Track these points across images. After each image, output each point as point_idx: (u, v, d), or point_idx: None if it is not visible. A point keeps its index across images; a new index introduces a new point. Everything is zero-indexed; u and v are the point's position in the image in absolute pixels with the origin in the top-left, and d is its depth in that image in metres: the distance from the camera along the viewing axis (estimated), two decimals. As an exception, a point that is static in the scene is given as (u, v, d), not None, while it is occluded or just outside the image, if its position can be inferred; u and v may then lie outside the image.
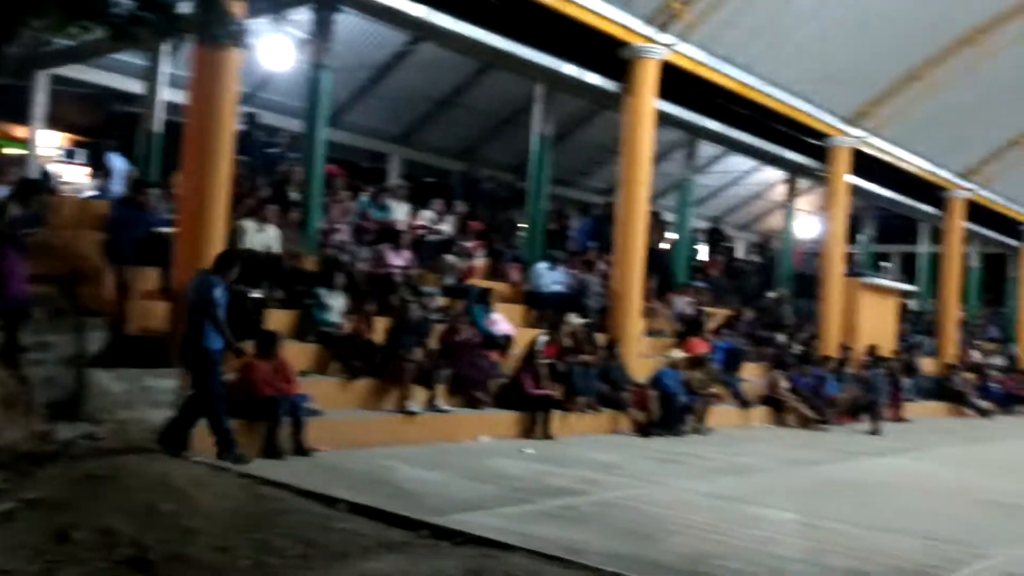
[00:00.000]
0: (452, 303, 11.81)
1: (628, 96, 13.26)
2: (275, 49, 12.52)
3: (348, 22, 12.41)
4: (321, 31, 11.27)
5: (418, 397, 9.91)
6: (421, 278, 11.82)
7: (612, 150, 15.26)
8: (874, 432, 14.54)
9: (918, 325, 22.81)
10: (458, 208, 14.61)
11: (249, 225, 10.07)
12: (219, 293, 7.58)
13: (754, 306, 17.71)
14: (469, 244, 13.25)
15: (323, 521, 5.84)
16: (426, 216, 13.48)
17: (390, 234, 12.04)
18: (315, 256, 11.09)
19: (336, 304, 10.17)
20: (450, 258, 12.57)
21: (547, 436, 10.65)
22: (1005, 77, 17.32)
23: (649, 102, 13.28)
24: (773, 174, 21.02)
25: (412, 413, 9.67)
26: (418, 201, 13.98)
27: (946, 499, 8.84)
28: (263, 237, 10.11)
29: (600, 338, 12.96)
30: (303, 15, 11.22)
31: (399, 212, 13.16)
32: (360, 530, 5.66)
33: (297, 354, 9.28)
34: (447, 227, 13.60)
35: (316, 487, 6.60)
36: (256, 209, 10.42)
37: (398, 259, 11.60)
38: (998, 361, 23.51)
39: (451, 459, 8.66)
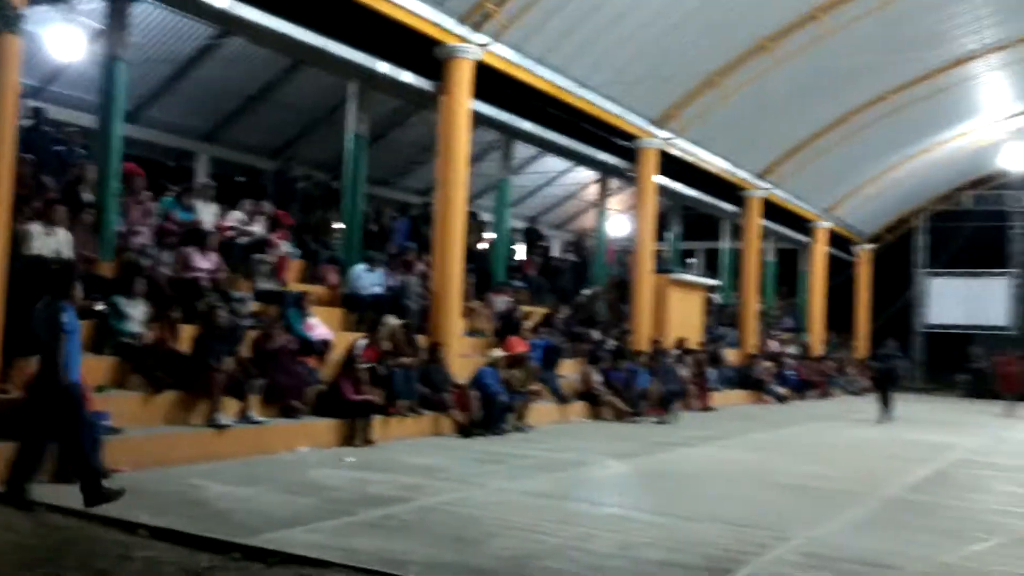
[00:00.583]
0: (265, 308, 11.34)
1: (443, 96, 13.21)
2: (65, 39, 11.61)
3: (147, 13, 11.66)
4: (116, 21, 10.53)
5: (229, 409, 9.44)
6: (231, 282, 11.27)
7: (430, 150, 15.19)
8: (663, 422, 15.06)
9: (722, 318, 24.13)
10: (270, 208, 14.06)
11: (35, 229, 9.25)
12: (67, 318, 6.77)
13: (570, 304, 18.13)
14: (281, 245, 12.76)
15: (121, 549, 5.41)
16: (235, 217, 12.88)
17: (196, 236, 11.41)
18: (112, 261, 10.34)
19: (136, 312, 9.51)
20: (261, 260, 12.06)
21: (368, 443, 10.43)
22: (792, 83, 18.60)
23: (464, 102, 13.29)
24: (586, 174, 21.66)
25: (222, 426, 9.18)
26: (227, 201, 13.35)
27: (752, 484, 9.30)
28: (51, 241, 9.31)
29: (421, 340, 12.87)
30: (95, 4, 10.45)
31: (206, 213, 12.50)
32: (163, 557, 5.28)
33: (92, 368, 8.57)
34: (258, 228, 13.06)
35: (114, 512, 6.12)
36: (43, 211, 9.58)
37: (205, 262, 11.00)
38: (793, 350, 25.28)
39: (266, 473, 8.30)
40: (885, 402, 17.41)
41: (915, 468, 10.86)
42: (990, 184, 29.58)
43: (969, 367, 27.78)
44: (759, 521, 7.21)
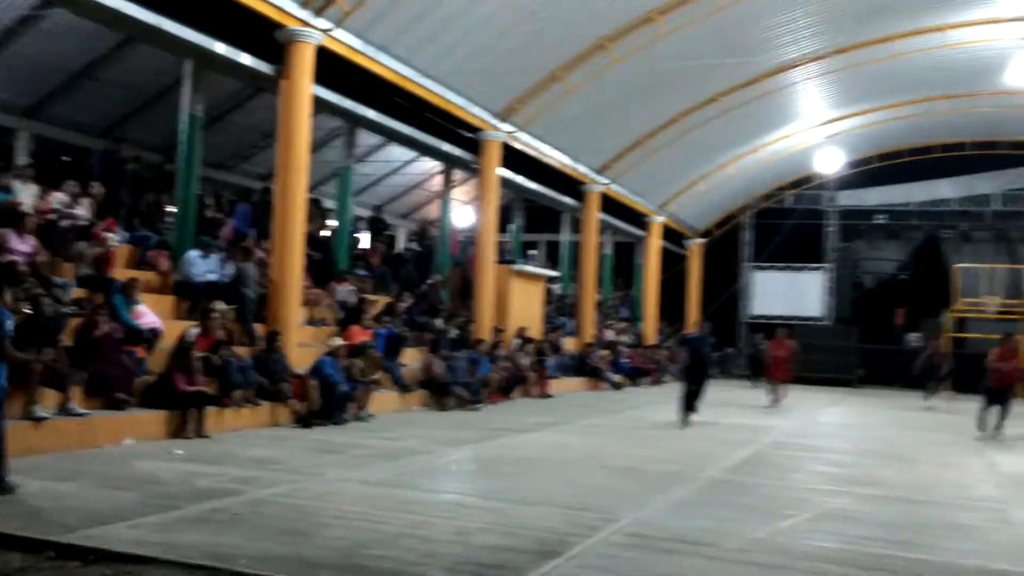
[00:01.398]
0: (89, 294, 10.77)
1: (284, 80, 12.92)
2: None
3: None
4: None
5: (48, 401, 8.93)
6: (52, 267, 10.64)
7: (272, 135, 14.81)
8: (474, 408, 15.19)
9: (561, 308, 24.76)
10: (96, 190, 13.34)
11: None
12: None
13: (413, 293, 18.15)
14: (107, 229, 12.14)
15: (-77, 553, 5.06)
16: (58, 199, 12.16)
17: (12, 218, 10.69)
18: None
19: (-57, 299, 8.85)
20: (85, 245, 11.44)
21: (201, 435, 10.12)
22: (630, 83, 19.28)
23: (306, 87, 13.04)
24: (431, 164, 21.71)
25: (40, 419, 8.68)
26: (50, 182, 12.57)
27: (586, 469, 9.64)
28: None
29: (258, 328, 12.56)
30: None
31: (25, 194, 11.75)
32: (-30, 559, 4.98)
33: None
34: (83, 211, 12.37)
35: (-86, 514, 5.71)
36: None
37: (23, 246, 10.35)
38: (628, 339, 26.24)
39: (88, 467, 7.92)
40: (689, 395, 14.38)
41: (735, 451, 11.54)
42: (808, 184, 31.67)
43: (754, 351, 28.35)
44: (591, 504, 7.50)
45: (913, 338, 29.04)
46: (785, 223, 32.40)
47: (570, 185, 23.42)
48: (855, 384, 28.26)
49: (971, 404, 16.06)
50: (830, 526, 7.23)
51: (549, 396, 18.60)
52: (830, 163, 26.73)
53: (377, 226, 21.92)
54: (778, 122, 25.37)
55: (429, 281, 19.10)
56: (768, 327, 30.69)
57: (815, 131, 26.27)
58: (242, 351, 11.81)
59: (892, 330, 30.84)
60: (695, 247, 32.31)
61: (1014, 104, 23.85)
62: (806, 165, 28.35)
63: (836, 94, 23.50)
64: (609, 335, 25.16)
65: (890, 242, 33.45)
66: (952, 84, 23.18)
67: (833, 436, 14.83)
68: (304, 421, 11.76)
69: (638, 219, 28.24)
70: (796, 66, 21.40)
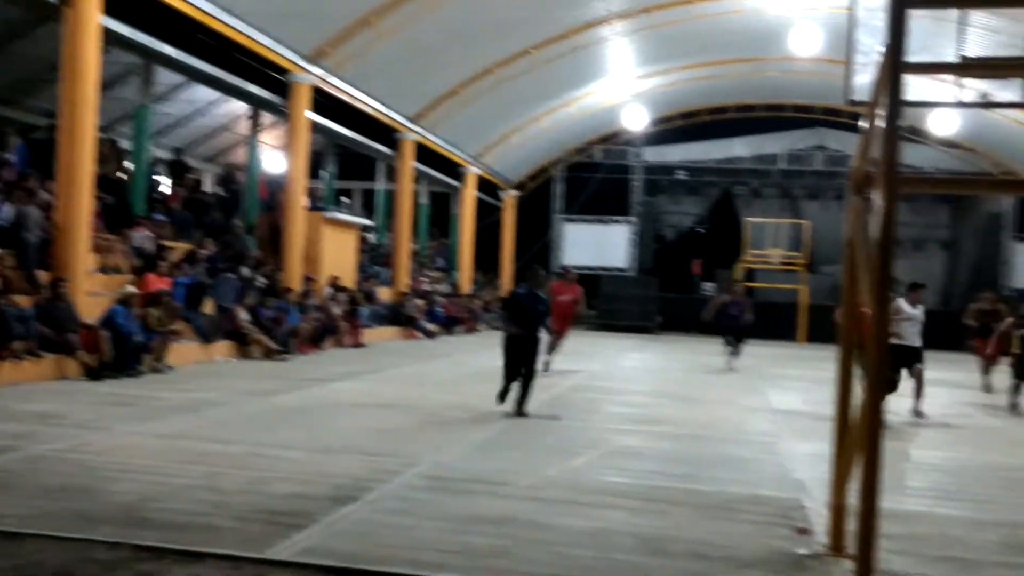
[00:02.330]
0: None
1: (67, 8, 11.95)
2: None
3: None
4: None
5: None
6: None
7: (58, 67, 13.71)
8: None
9: (376, 257, 24.58)
10: None
11: None
12: None
13: (218, 239, 17.46)
14: None
15: None
16: None
17: None
18: None
19: None
20: None
21: (-27, 389, 9.41)
22: (445, 31, 19.16)
23: (93, 17, 12.11)
24: (239, 107, 20.78)
25: None
26: None
27: (389, 416, 9.69)
28: None
29: (42, 276, 11.74)
30: None
31: None
32: None
33: None
34: None
35: None
36: None
37: None
38: (443, 288, 26.45)
39: None
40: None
41: (536, 394, 11.91)
42: (616, 140, 32.80)
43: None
44: (393, 450, 7.59)
45: (709, 288, 30.98)
46: (594, 177, 33.49)
47: (384, 133, 23.14)
48: (655, 331, 29.86)
49: (760, 348, 17.36)
50: (620, 462, 7.66)
51: (362, 346, 18.51)
52: (636, 120, 27.75)
53: (179, 169, 20.83)
54: (588, 77, 26.01)
55: (235, 227, 18.41)
56: (585, 279, 31.88)
57: (622, 88, 27.15)
58: (23, 300, 11.01)
59: (690, 280, 32.74)
60: (509, 199, 32.84)
61: (797, 70, 25.57)
62: (614, 121, 29.29)
63: (641, 53, 24.33)
64: (424, 284, 25.26)
65: (689, 197, 35.40)
66: (744, 48, 24.51)
67: (631, 379, 15.61)
68: (94, 374, 11.16)
69: (453, 170, 28.33)
70: (604, 23, 21.95)
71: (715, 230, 34.44)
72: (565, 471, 7.14)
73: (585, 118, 29.24)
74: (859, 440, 4.72)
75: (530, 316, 10.15)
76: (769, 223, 30.91)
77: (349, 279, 20.51)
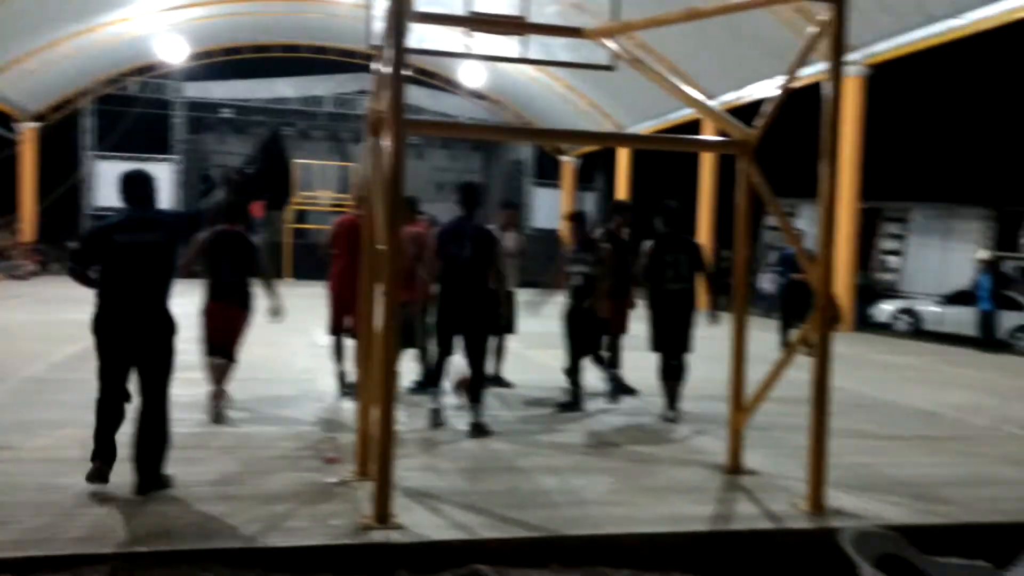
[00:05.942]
0: None
1: None
2: None
3: None
4: None
5: None
6: None
7: None
8: None
9: None
10: None
11: None
12: None
13: None
14: None
15: None
16: None
17: None
18: None
19: None
20: None
21: None
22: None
23: None
24: None
25: None
26: None
27: None
28: None
29: None
30: None
31: None
32: None
33: None
34: None
35: None
36: None
37: None
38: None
39: None
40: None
41: (62, 347, 10.89)
42: (153, 73, 30.59)
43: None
44: None
45: (260, 228, 30.49)
46: (130, 111, 30.94)
47: None
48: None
49: (312, 288, 17.51)
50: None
51: None
52: (174, 52, 26.05)
53: None
54: (116, 2, 23.81)
55: None
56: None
57: (156, 17, 25.29)
58: None
59: (251, 223, 31.86)
60: (29, 132, 29.06)
61: (338, 13, 25.94)
62: (149, 52, 27.22)
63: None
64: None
65: (237, 136, 34.33)
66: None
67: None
68: None
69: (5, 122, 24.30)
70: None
71: (265, 171, 33.91)
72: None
73: (115, 47, 26.72)
74: (377, 370, 5.04)
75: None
76: (318, 165, 31.22)
77: None
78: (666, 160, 29.06)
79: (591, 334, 8.34)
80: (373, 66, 5.78)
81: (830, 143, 5.31)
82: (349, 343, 8.08)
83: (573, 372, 8.25)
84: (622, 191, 29.08)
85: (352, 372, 7.74)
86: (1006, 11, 14.69)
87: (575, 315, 8.26)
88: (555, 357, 8.87)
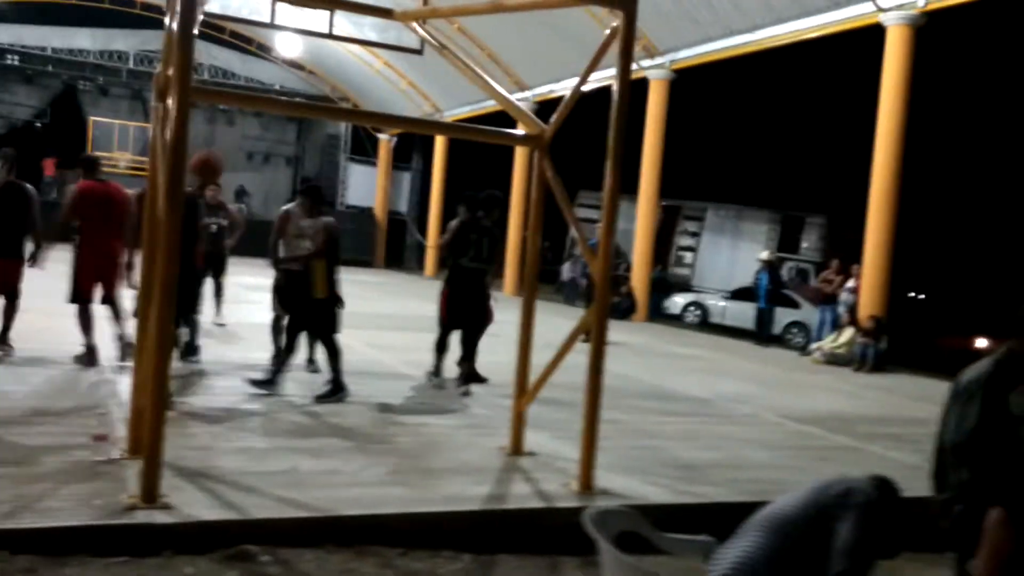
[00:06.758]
0: None
1: None
2: None
3: None
4: None
5: None
6: None
7: None
8: None
9: None
10: None
11: None
12: None
13: None
14: None
15: None
16: None
17: None
18: None
19: None
20: None
21: None
22: None
23: None
24: None
25: None
26: None
27: None
28: None
29: None
30: None
31: None
32: None
33: None
34: None
35: None
36: None
37: None
38: None
39: None
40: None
41: None
42: None
43: None
44: None
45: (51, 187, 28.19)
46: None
47: None
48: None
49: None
50: None
51: None
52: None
53: None
54: None
55: None
56: None
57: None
58: None
59: (40, 180, 29.35)
60: None
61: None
62: None
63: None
64: None
65: (25, 87, 31.53)
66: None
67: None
68: None
69: None
70: None
71: (56, 126, 31.39)
72: None
73: None
74: (151, 345, 4.84)
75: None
76: (117, 124, 29.29)
77: None
78: (483, 144, 29.41)
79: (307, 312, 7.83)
80: (165, 24, 5.51)
81: (615, 142, 5.57)
82: (101, 311, 8.24)
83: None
84: (438, 172, 29.19)
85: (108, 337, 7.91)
86: (793, 32, 15.90)
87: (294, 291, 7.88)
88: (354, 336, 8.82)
